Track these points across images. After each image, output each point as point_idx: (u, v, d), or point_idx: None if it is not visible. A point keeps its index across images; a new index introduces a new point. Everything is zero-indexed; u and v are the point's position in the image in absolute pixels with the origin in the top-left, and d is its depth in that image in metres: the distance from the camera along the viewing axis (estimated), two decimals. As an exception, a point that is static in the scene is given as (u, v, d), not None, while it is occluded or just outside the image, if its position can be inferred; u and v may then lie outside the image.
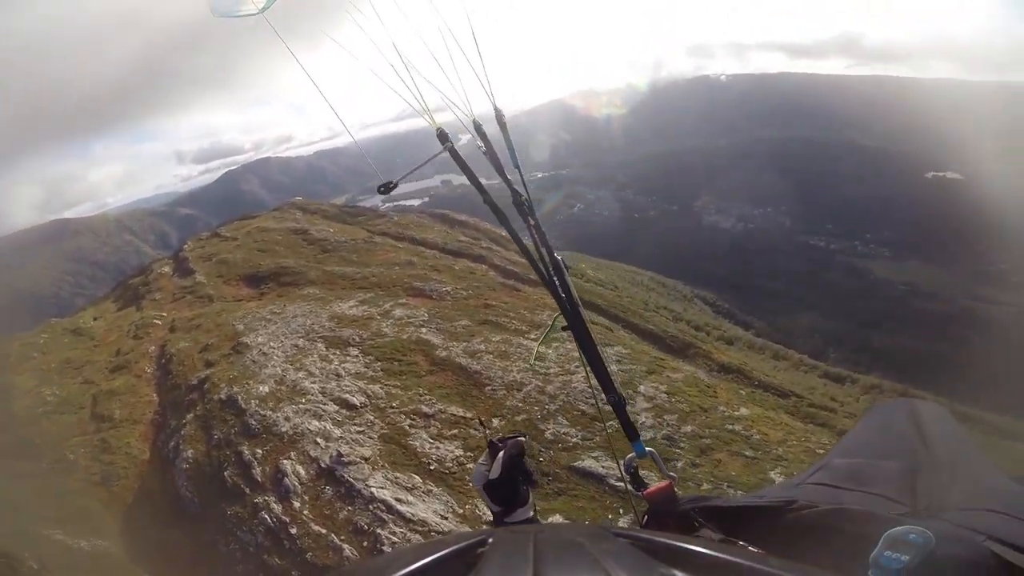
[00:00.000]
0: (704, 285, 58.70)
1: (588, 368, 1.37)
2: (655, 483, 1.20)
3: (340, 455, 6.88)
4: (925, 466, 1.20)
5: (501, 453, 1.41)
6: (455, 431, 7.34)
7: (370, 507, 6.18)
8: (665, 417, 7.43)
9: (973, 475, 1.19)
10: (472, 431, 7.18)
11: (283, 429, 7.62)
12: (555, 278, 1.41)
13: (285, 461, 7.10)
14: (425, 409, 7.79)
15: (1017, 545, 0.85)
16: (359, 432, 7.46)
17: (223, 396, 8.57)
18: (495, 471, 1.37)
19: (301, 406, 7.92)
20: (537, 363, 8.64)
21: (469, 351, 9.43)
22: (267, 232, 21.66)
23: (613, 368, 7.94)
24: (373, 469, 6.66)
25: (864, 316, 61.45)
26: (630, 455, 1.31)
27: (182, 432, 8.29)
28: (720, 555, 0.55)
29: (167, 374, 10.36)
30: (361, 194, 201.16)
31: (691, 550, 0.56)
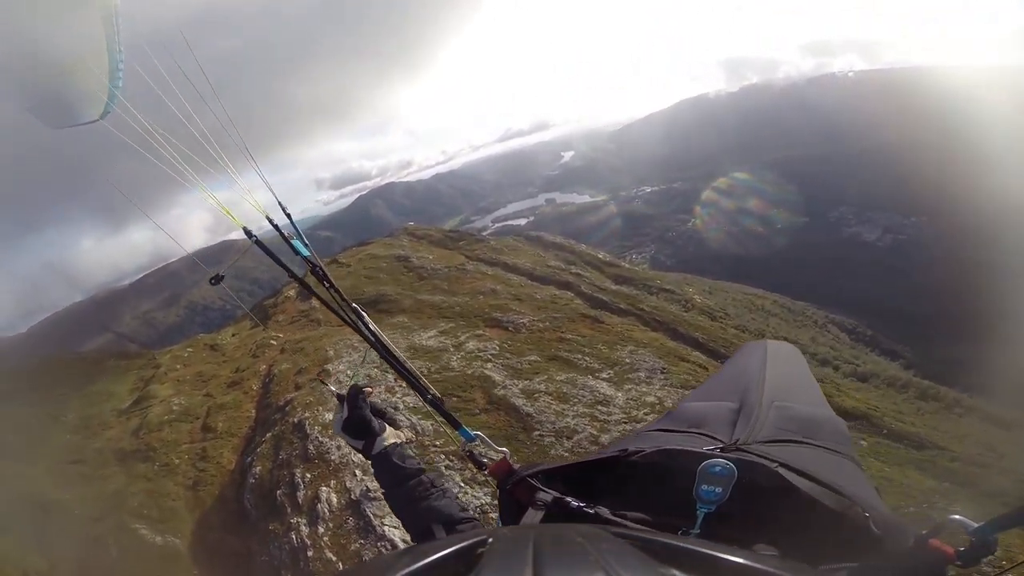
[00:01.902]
0: (841, 308, 50.58)
1: (404, 380, 1.67)
2: (494, 461, 1.35)
3: (368, 490, 7.06)
4: (749, 404, 1.33)
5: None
6: (488, 478, 7.11)
7: (378, 544, 6.25)
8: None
9: (792, 410, 1.33)
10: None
11: (333, 457, 8.04)
12: (356, 320, 1.71)
13: (324, 488, 7.44)
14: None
15: (804, 471, 1.00)
16: None
17: (296, 419, 9.30)
18: (344, 412, 1.57)
19: (340, 417, 8.28)
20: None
21: (528, 391, 9.17)
22: (376, 259, 23.66)
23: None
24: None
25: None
26: (463, 441, 1.53)
27: (258, 449, 9.13)
28: (720, 555, 0.56)
29: (266, 393, 11.57)
30: (474, 215, 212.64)
31: (691, 550, 0.58)
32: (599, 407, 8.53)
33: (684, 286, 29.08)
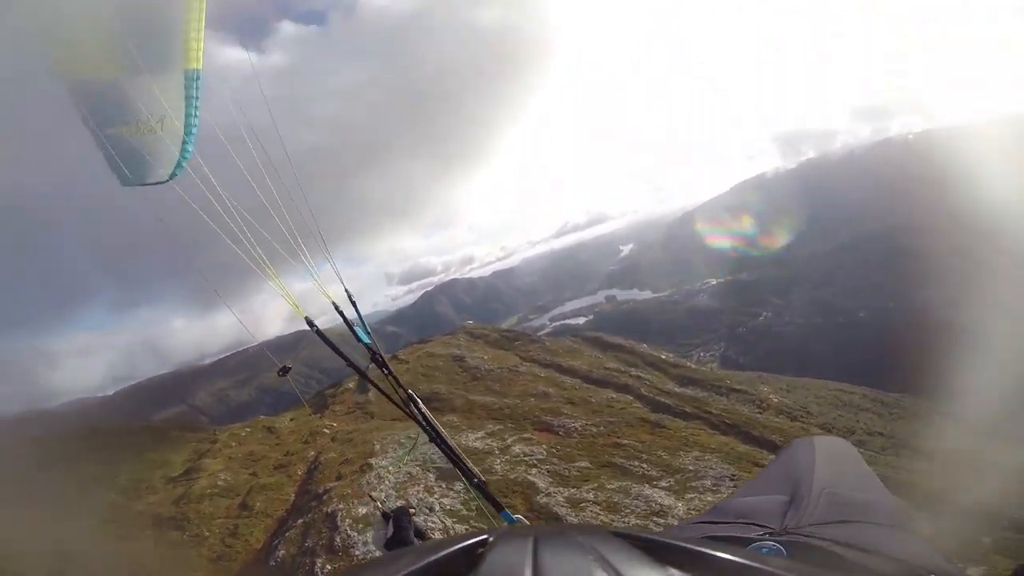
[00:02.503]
0: (945, 397, 43.41)
1: (455, 464, 1.73)
2: None
3: None
4: (799, 495, 1.31)
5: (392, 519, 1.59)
6: None
7: None
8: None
9: (844, 496, 1.30)
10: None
11: (357, 552, 7.85)
12: (411, 406, 1.81)
13: None
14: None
15: (857, 545, 0.97)
16: None
17: (330, 510, 9.23)
18: (389, 531, 1.69)
19: (382, 533, 7.91)
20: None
21: (573, 499, 8.48)
22: (433, 357, 24.12)
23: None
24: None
25: None
26: (503, 525, 1.45)
27: (288, 533, 9.10)
28: (720, 555, 0.56)
29: (309, 479, 11.65)
30: (531, 314, 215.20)
31: (691, 550, 0.58)
32: (655, 518, 7.69)
33: (758, 385, 26.73)
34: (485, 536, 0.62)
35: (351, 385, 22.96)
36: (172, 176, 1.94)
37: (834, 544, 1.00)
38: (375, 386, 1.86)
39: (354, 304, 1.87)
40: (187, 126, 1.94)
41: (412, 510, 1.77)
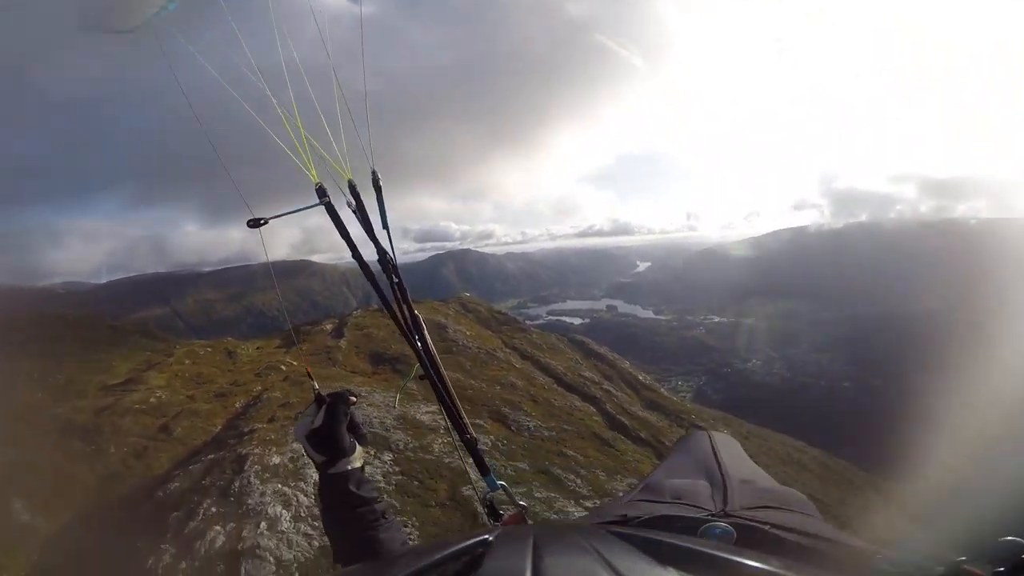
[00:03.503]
0: (886, 471, 43.85)
1: (443, 411, 1.54)
2: (509, 513, 1.35)
3: (258, 546, 6.45)
4: (717, 481, 1.47)
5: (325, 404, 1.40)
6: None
7: None
8: None
9: (757, 484, 1.50)
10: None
11: (250, 502, 7.46)
12: (415, 333, 1.52)
13: (218, 528, 6.88)
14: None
15: (789, 527, 1.07)
16: (304, 536, 6.93)
17: (244, 451, 8.89)
18: (319, 420, 1.37)
19: (285, 488, 7.75)
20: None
21: (497, 501, 8.50)
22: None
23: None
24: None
25: None
26: (486, 489, 1.44)
27: (191, 467, 8.69)
28: (720, 555, 0.57)
29: (243, 414, 11.29)
30: (531, 302, 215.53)
31: (691, 550, 0.58)
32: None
33: (720, 426, 26.77)
34: (485, 537, 0.62)
35: (329, 327, 23.09)
36: (143, 25, 1.53)
37: (775, 528, 1.06)
38: (379, 294, 1.49)
39: (378, 183, 1.48)
40: None
41: (355, 398, 1.43)
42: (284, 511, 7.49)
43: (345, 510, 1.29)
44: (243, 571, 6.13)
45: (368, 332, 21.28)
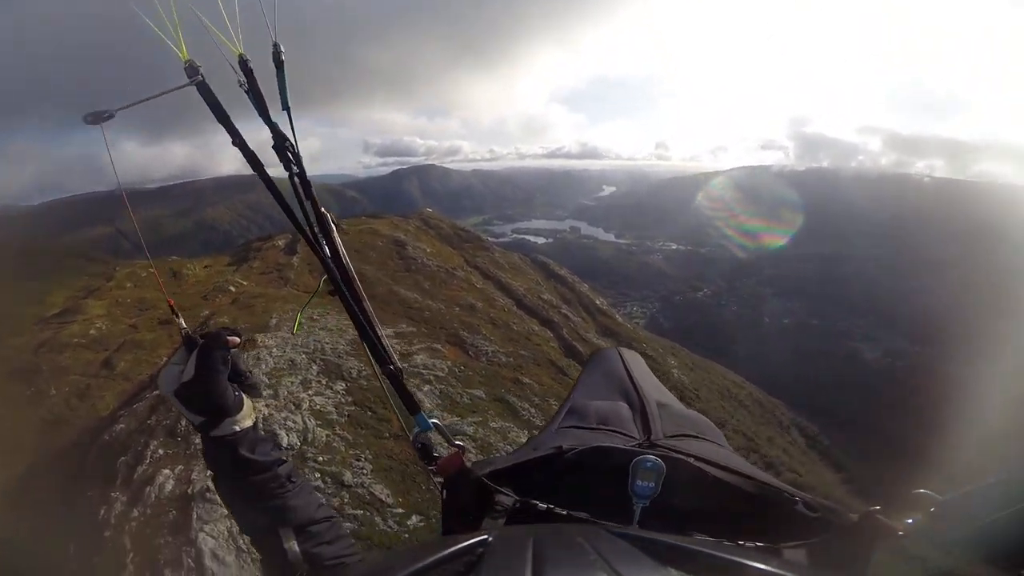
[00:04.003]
0: (812, 415, 49.12)
1: (362, 339, 1.28)
2: (445, 456, 1.22)
3: (210, 489, 6.21)
4: (636, 403, 1.50)
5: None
6: (363, 511, 6.30)
7: (182, 549, 5.48)
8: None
9: (673, 408, 1.52)
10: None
11: (198, 441, 7.19)
12: (319, 236, 1.24)
13: (167, 471, 6.64)
14: (347, 478, 6.83)
15: (717, 462, 1.09)
16: None
17: None
18: (189, 370, 1.09)
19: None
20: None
21: (451, 430, 8.36)
22: (375, 236, 22.94)
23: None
24: (230, 518, 6.10)
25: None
26: (416, 429, 1.26)
27: (136, 406, 8.24)
28: (720, 554, 0.57)
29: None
30: (497, 219, 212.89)
31: (691, 550, 0.58)
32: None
33: (668, 357, 28.14)
34: (484, 537, 0.61)
35: (281, 242, 21.53)
36: None
37: (699, 460, 1.08)
38: (264, 178, 1.19)
39: (278, 53, 1.21)
40: None
41: (236, 339, 1.12)
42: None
43: (240, 480, 1.11)
44: (195, 515, 5.93)
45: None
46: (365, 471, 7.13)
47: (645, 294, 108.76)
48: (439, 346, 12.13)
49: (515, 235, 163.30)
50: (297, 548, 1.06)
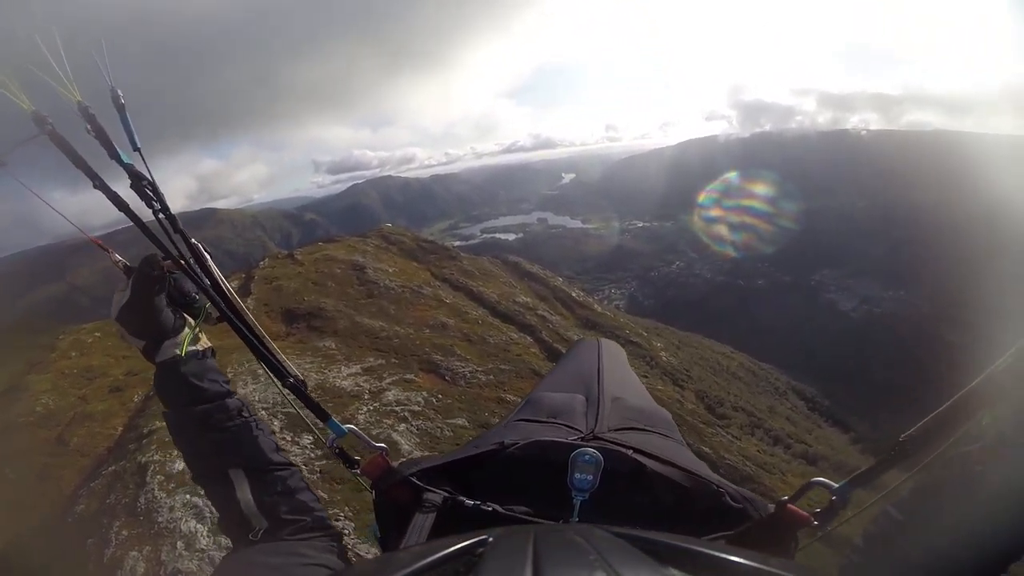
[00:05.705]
0: (806, 376, 49.93)
1: (258, 359, 1.22)
2: (368, 459, 1.21)
3: (180, 571, 5.89)
4: (593, 397, 1.50)
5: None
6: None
7: None
8: None
9: (628, 402, 1.53)
10: None
11: (160, 519, 6.65)
12: (194, 266, 1.23)
13: (135, 552, 6.21)
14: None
15: (653, 454, 1.11)
16: (227, 550, 6.07)
17: (144, 459, 7.71)
18: (125, 295, 1.07)
19: (195, 499, 6.81)
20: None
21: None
22: (331, 263, 21.76)
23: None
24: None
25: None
26: (331, 436, 1.21)
27: (93, 484, 7.70)
28: (720, 555, 0.57)
29: (143, 410, 9.71)
30: (464, 221, 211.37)
31: (691, 550, 0.58)
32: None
33: (653, 339, 27.82)
34: (484, 536, 0.61)
35: (235, 284, 20.11)
36: None
37: (637, 453, 1.10)
38: (133, 218, 1.11)
39: (117, 97, 1.10)
40: None
41: (169, 261, 0.97)
42: (199, 525, 6.60)
43: (184, 408, 1.07)
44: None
45: (278, 284, 18.81)
46: (347, 531, 6.36)
47: (621, 275, 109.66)
48: (412, 376, 11.30)
49: (485, 235, 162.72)
50: (251, 497, 1.02)
